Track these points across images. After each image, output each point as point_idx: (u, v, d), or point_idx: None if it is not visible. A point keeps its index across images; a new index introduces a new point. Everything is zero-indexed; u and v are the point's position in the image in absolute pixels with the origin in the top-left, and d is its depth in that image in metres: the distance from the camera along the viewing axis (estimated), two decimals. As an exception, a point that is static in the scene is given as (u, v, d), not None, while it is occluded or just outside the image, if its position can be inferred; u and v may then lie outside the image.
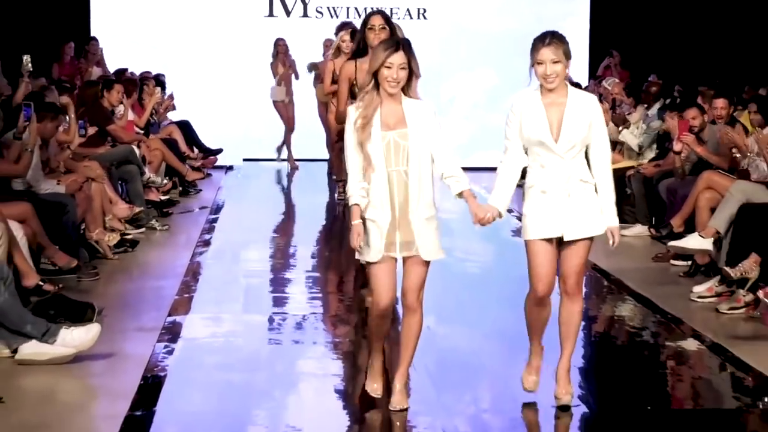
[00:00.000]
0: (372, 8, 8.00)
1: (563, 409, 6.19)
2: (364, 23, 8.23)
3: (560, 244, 6.09)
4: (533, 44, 6.05)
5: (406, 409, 6.11)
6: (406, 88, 6.00)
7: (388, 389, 6.26)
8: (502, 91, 17.54)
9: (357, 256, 6.13)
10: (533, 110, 6.06)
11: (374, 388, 6.30)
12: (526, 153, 6.11)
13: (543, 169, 6.04)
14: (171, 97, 16.14)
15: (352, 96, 8.10)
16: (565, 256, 6.10)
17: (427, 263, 6.04)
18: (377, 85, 5.99)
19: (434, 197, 6.02)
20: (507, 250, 11.07)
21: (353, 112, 6.04)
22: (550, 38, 6.02)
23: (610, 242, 6.08)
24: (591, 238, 6.09)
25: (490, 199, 6.11)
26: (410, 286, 6.04)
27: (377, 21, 8.11)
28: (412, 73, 5.99)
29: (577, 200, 6.03)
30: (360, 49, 8.26)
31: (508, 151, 6.13)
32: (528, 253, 6.12)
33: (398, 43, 6.03)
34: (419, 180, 5.95)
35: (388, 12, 7.64)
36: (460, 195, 5.98)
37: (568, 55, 6.04)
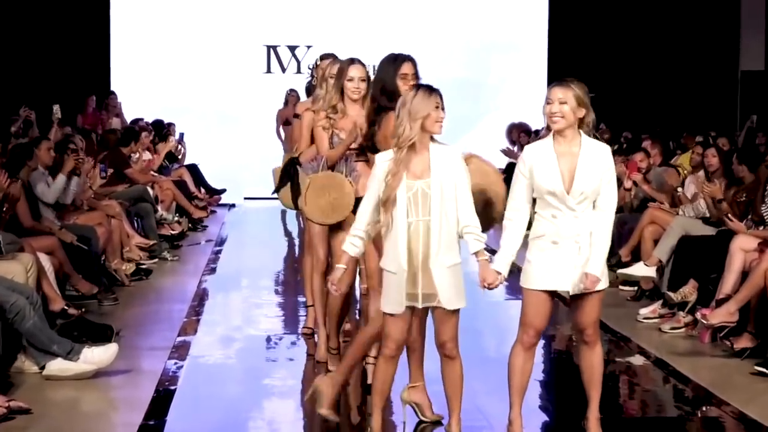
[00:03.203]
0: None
1: None
2: (395, 69, 6.15)
3: (572, 296, 5.49)
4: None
5: None
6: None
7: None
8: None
9: (381, 308, 5.44)
10: (545, 159, 5.41)
11: None
12: (534, 203, 5.48)
13: (554, 220, 5.39)
14: (180, 142, 16.13)
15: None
16: (581, 309, 5.51)
17: (456, 310, 5.40)
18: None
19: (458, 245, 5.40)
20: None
21: (383, 164, 5.37)
22: (567, 80, 5.45)
23: (581, 285, 5.41)
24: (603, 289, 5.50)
25: (497, 258, 5.47)
26: (446, 337, 5.42)
27: (410, 69, 6.15)
28: None
29: (587, 254, 5.39)
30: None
31: (515, 206, 5.48)
32: (525, 301, 5.50)
33: (431, 85, 5.43)
34: (442, 230, 5.30)
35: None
36: (476, 254, 5.36)
37: (580, 102, 5.39)
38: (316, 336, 7.67)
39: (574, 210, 5.38)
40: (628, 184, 10.89)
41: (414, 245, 5.31)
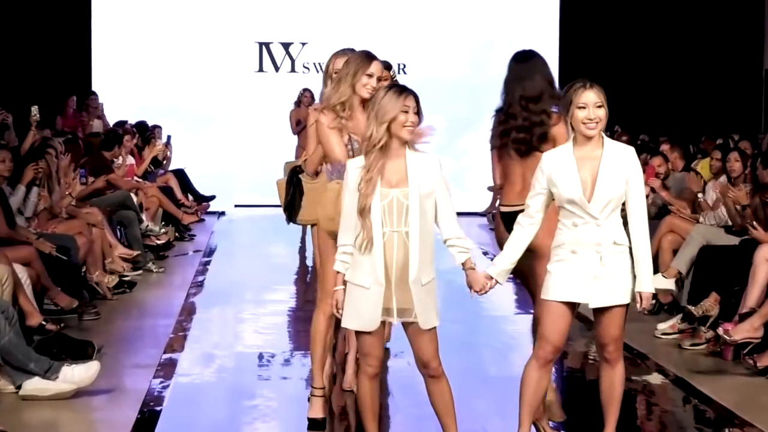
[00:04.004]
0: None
1: None
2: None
3: (595, 309, 5.48)
4: (572, 89, 5.43)
5: None
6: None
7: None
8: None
9: (343, 324, 5.46)
10: (564, 166, 5.40)
11: None
12: (547, 208, 5.49)
13: (575, 229, 5.39)
14: (166, 146, 16.11)
15: None
16: (602, 324, 5.48)
17: (432, 329, 5.39)
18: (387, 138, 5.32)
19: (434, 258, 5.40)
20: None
21: (354, 172, 5.35)
22: (591, 82, 5.43)
23: (638, 306, 5.43)
24: (627, 304, 5.47)
25: (497, 260, 5.57)
26: (428, 356, 5.40)
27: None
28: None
29: (609, 265, 5.39)
30: None
31: (528, 213, 5.50)
32: (543, 313, 5.50)
33: (405, 86, 5.41)
34: (421, 242, 5.28)
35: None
36: (462, 264, 5.38)
37: (605, 104, 5.42)
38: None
39: (596, 218, 5.37)
40: (645, 190, 10.88)
41: (389, 258, 5.29)
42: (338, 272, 5.41)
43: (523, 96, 6.11)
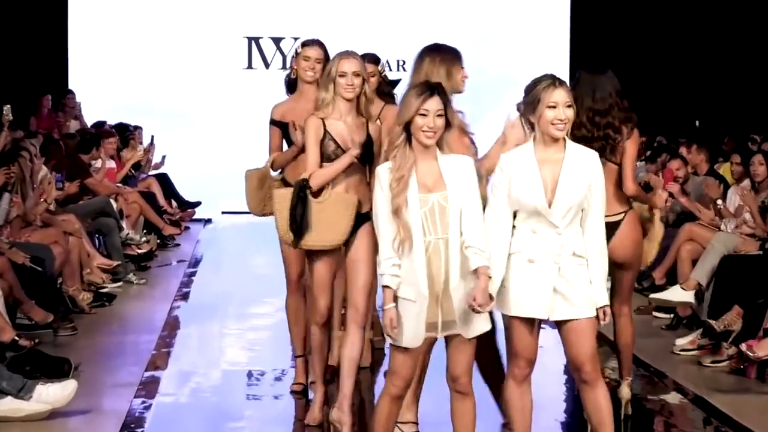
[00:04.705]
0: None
1: None
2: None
3: (559, 325, 5.51)
4: (540, 86, 5.43)
5: None
6: (440, 141, 5.38)
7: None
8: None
9: (389, 341, 5.43)
10: (525, 168, 5.41)
11: None
12: (514, 216, 5.47)
13: (533, 235, 5.40)
14: (148, 149, 16.08)
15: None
16: (572, 342, 5.49)
17: (474, 339, 5.41)
18: (408, 139, 5.36)
19: None
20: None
21: (385, 174, 5.36)
22: (559, 79, 5.44)
23: (602, 322, 5.47)
24: (592, 317, 5.48)
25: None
26: (461, 370, 5.42)
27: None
28: (447, 122, 5.38)
29: (568, 277, 5.40)
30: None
31: (493, 223, 5.43)
32: (507, 328, 5.53)
33: (432, 87, 5.41)
34: (461, 250, 5.30)
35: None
36: (476, 270, 5.31)
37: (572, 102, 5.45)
38: (310, 393, 7.41)
39: (556, 226, 5.39)
40: (663, 196, 10.86)
41: (435, 267, 5.30)
42: (388, 288, 5.32)
43: (592, 108, 6.54)
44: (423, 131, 5.30)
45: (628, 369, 7.18)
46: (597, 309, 5.43)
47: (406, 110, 5.33)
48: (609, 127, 6.57)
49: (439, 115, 5.32)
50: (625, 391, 7.12)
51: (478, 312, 5.30)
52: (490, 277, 5.32)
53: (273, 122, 7.36)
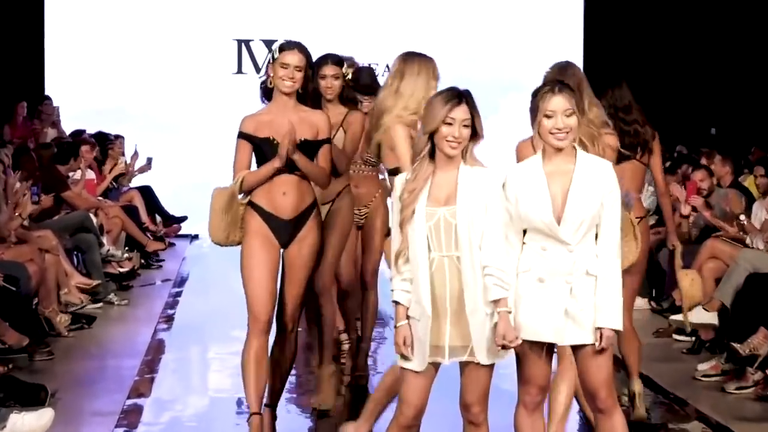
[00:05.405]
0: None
1: None
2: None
3: (572, 349, 5.50)
4: (539, 94, 5.44)
5: None
6: (465, 152, 5.37)
7: None
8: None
9: (400, 364, 5.46)
10: (532, 182, 5.40)
11: None
12: (523, 233, 5.46)
13: (543, 253, 5.39)
14: (132, 162, 16.10)
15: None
16: (586, 368, 5.47)
17: (490, 365, 5.39)
18: (432, 148, 5.37)
19: None
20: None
21: (400, 185, 5.40)
22: (561, 86, 5.43)
23: (596, 344, 5.39)
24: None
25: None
26: (473, 398, 5.43)
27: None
28: (475, 132, 5.38)
29: (581, 298, 5.38)
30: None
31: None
32: (517, 353, 5.50)
33: (461, 93, 5.38)
34: (475, 267, 5.29)
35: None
36: (496, 302, 5.31)
37: (581, 111, 5.52)
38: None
39: (567, 243, 5.37)
40: (685, 210, 10.85)
41: (439, 286, 5.31)
42: (399, 304, 5.38)
43: (614, 105, 7.12)
44: (447, 141, 5.31)
45: (636, 370, 7.46)
46: (595, 329, 5.37)
47: (431, 118, 5.33)
48: (635, 123, 7.06)
49: (465, 125, 5.31)
50: (636, 385, 7.45)
51: (508, 348, 5.30)
52: (509, 311, 5.32)
53: (243, 135, 6.86)
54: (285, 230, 6.76)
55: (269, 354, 6.87)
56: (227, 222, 6.91)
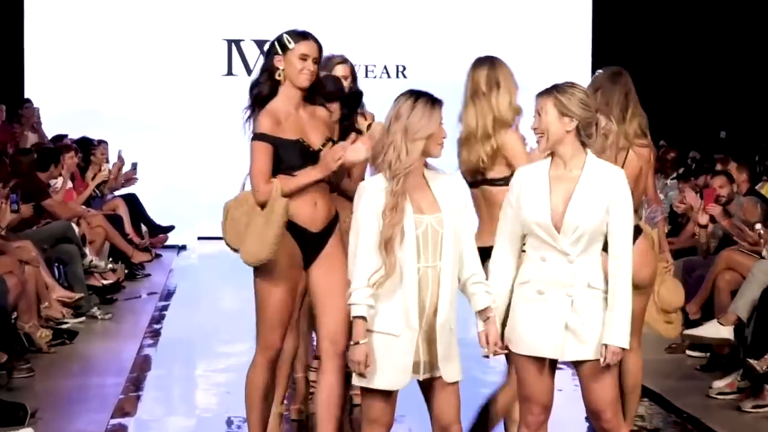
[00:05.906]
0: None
1: None
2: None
3: (575, 365, 5.49)
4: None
5: None
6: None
7: None
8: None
9: (358, 381, 5.37)
10: (536, 185, 5.41)
11: None
12: (523, 240, 5.48)
13: (543, 264, 5.38)
14: (118, 169, 16.11)
15: None
16: (589, 386, 5.45)
17: (457, 384, 5.42)
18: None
19: None
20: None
21: (380, 194, 5.34)
22: (555, 86, 5.44)
23: (601, 360, 5.37)
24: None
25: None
26: (450, 418, 5.42)
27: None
28: None
29: (582, 312, 5.37)
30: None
31: (501, 245, 5.52)
32: (519, 369, 5.52)
33: (430, 94, 5.42)
34: (452, 280, 5.34)
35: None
36: (482, 311, 5.38)
37: (563, 110, 5.35)
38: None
39: (567, 253, 5.36)
40: (703, 219, 10.74)
41: (423, 298, 5.32)
42: (361, 319, 5.32)
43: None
44: (440, 144, 5.39)
45: (631, 417, 7.16)
46: (603, 345, 5.34)
47: (425, 123, 5.32)
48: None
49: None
50: None
51: (488, 357, 5.36)
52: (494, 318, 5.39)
53: (263, 137, 6.26)
54: (312, 245, 6.26)
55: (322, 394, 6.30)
56: (274, 233, 6.15)
